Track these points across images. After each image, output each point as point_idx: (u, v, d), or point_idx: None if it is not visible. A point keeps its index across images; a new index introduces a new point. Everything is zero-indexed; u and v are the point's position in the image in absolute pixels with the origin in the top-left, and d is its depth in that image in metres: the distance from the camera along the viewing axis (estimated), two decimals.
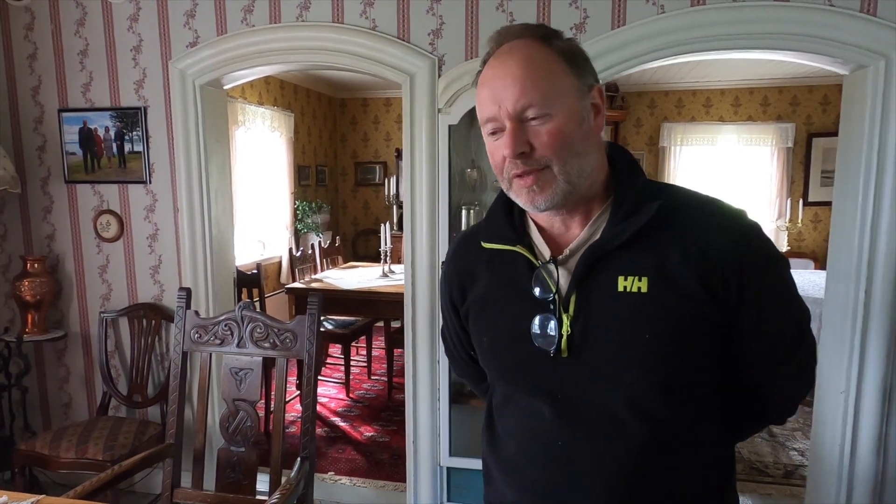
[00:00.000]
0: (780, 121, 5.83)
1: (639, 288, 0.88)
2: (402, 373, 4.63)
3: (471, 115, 2.50)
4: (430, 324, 2.58)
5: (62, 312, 3.01)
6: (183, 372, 1.92)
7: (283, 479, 1.72)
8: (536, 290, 0.94)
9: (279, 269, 5.76)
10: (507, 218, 1.00)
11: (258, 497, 1.80)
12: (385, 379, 4.56)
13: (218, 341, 1.89)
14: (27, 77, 2.88)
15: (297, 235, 5.99)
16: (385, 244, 4.53)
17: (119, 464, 1.73)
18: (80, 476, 2.48)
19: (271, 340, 1.85)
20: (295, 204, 5.99)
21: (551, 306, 0.92)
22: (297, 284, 4.24)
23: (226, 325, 1.89)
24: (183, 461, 1.92)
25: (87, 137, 2.87)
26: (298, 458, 1.79)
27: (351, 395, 4.30)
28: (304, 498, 1.75)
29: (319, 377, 4.48)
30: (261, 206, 5.48)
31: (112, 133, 2.84)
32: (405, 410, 2.71)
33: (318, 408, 3.99)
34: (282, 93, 5.89)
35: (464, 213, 2.57)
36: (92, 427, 2.62)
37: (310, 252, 4.82)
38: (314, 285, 4.20)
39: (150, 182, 2.83)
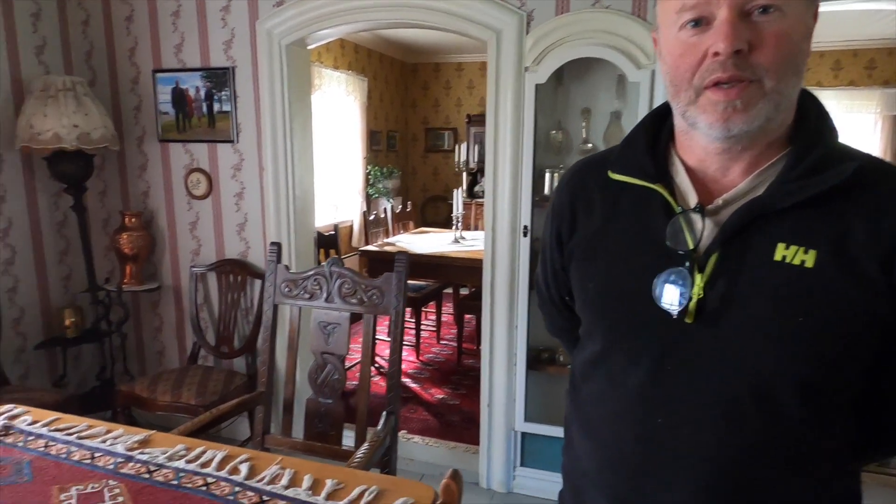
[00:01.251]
0: (887, 86, 5.35)
1: (802, 261, 0.74)
2: (471, 338, 4.70)
3: (558, 74, 2.41)
4: (508, 288, 2.55)
5: (156, 266, 3.17)
6: (274, 324, 1.98)
7: (369, 435, 1.75)
8: (669, 241, 0.81)
9: (351, 233, 5.86)
10: (650, 148, 0.86)
11: (344, 449, 1.85)
12: (454, 344, 4.60)
13: (307, 295, 1.93)
14: (124, 38, 3.00)
15: (369, 200, 6.06)
16: (457, 210, 4.51)
17: (217, 407, 1.81)
18: (174, 418, 2.65)
19: (359, 297, 1.87)
20: (367, 169, 6.05)
21: (685, 262, 0.80)
22: (370, 247, 4.31)
23: (315, 280, 1.92)
24: (273, 411, 1.99)
25: (179, 97, 2.97)
26: (384, 413, 1.82)
27: (420, 358, 4.37)
28: (389, 452, 1.79)
29: (388, 339, 4.57)
30: (334, 171, 5.56)
31: (202, 93, 2.93)
32: (480, 374, 2.71)
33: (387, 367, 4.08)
34: (356, 57, 5.91)
35: (547, 176, 2.51)
36: (184, 374, 2.77)
37: (382, 216, 4.87)
38: (387, 249, 4.24)
39: (238, 141, 2.91)
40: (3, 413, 1.53)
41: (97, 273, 3.08)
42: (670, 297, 0.80)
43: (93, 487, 1.20)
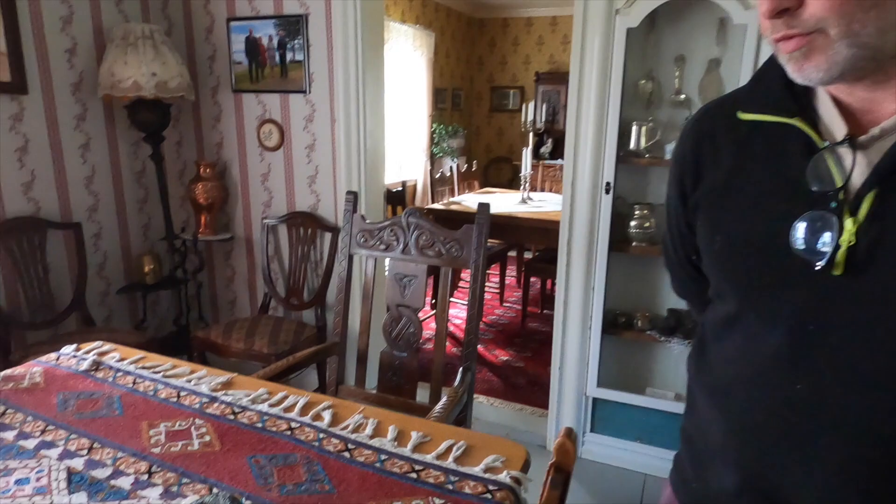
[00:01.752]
0: None
1: None
2: (535, 302, 4.60)
3: (651, 17, 2.22)
4: (586, 249, 2.43)
5: (229, 216, 3.21)
6: (349, 274, 1.94)
7: (443, 392, 1.71)
8: (811, 181, 0.70)
9: (415, 192, 5.81)
10: (786, 82, 0.75)
11: (418, 403, 1.81)
12: (518, 307, 4.52)
13: (383, 246, 1.88)
14: None
15: (433, 159, 5.98)
16: (525, 169, 4.37)
17: (293, 354, 1.81)
18: (246, 365, 2.70)
19: (437, 249, 1.80)
20: (432, 127, 5.94)
21: (831, 204, 0.68)
22: (436, 206, 4.24)
23: (391, 231, 1.87)
24: (346, 362, 1.98)
25: (253, 47, 2.94)
26: (461, 369, 1.77)
27: (484, 320, 4.31)
28: (465, 409, 1.74)
29: (451, 299, 4.53)
30: (400, 129, 5.49)
31: (275, 42, 2.88)
32: (547, 337, 2.62)
33: (452, 328, 4.05)
34: (423, 11, 5.75)
35: (634, 129, 2.34)
36: (256, 323, 2.81)
37: (448, 175, 4.78)
38: (453, 207, 4.16)
39: (310, 92, 2.86)
40: (92, 349, 1.56)
41: (174, 222, 3.14)
42: (813, 245, 0.69)
43: (180, 425, 1.20)
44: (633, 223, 2.39)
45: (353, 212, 1.93)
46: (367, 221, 1.92)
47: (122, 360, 1.50)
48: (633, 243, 2.39)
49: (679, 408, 2.44)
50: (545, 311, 4.48)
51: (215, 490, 1.00)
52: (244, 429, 1.19)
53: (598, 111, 2.30)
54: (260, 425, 1.21)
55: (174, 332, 3.19)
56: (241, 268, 3.27)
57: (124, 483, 1.02)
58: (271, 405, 1.29)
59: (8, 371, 1.42)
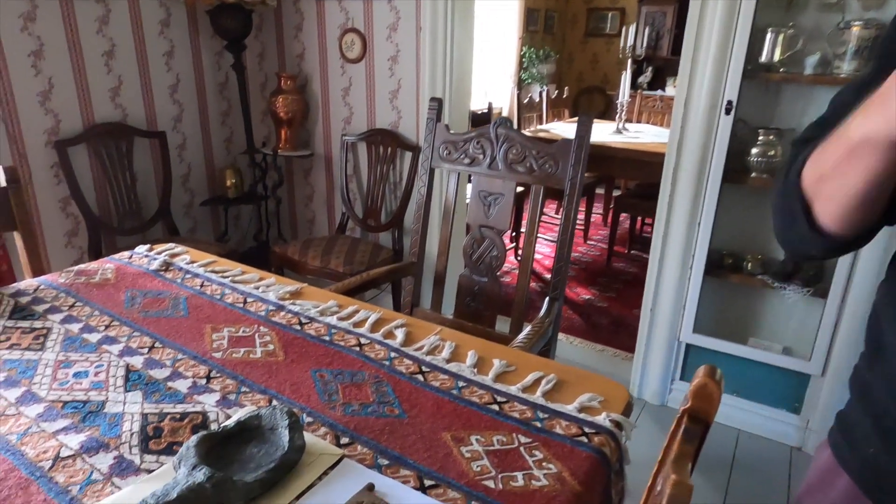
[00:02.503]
0: None
1: None
2: (622, 241, 4.32)
3: None
4: (695, 177, 2.14)
5: (309, 133, 3.12)
6: (429, 189, 1.78)
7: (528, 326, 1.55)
8: None
9: None
10: None
11: (498, 333, 1.67)
12: (602, 245, 4.26)
13: (468, 160, 1.70)
14: None
15: (521, 86, 5.63)
16: (623, 96, 3.99)
17: (368, 271, 1.70)
18: (322, 283, 2.66)
19: (528, 164, 1.60)
20: (521, 51, 5.56)
21: None
22: (524, 132, 3.97)
23: (478, 143, 1.68)
24: (423, 284, 1.86)
25: None
26: (547, 299, 1.60)
27: None
28: (549, 343, 1.58)
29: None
30: (487, 50, 5.16)
31: None
32: (646, 275, 2.39)
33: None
34: None
35: (768, 37, 1.97)
36: (333, 242, 2.74)
37: (536, 101, 4.46)
38: (541, 135, 3.89)
39: None
40: (164, 250, 1.50)
41: (255, 136, 3.09)
42: None
43: (244, 331, 1.11)
44: (754, 151, 2.06)
45: (437, 121, 1.75)
46: (452, 132, 1.73)
47: (192, 262, 1.44)
48: (753, 174, 2.08)
49: (787, 362, 2.17)
50: (632, 252, 4.20)
51: (274, 403, 0.90)
52: (310, 340, 1.09)
53: (726, 13, 1.95)
54: (327, 338, 1.10)
55: (254, 247, 3.21)
56: (320, 186, 3.20)
57: (181, 386, 0.94)
58: (340, 318, 1.17)
59: (82, 265, 1.39)
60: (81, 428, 0.83)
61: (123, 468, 0.76)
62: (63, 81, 2.42)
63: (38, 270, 1.37)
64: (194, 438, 0.75)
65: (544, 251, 4.12)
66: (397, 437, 0.83)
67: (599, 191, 4.74)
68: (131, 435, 0.82)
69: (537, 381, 0.98)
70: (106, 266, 1.40)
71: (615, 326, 3.09)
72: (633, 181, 4.42)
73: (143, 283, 1.31)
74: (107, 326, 1.12)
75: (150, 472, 0.76)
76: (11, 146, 2.32)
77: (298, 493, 0.73)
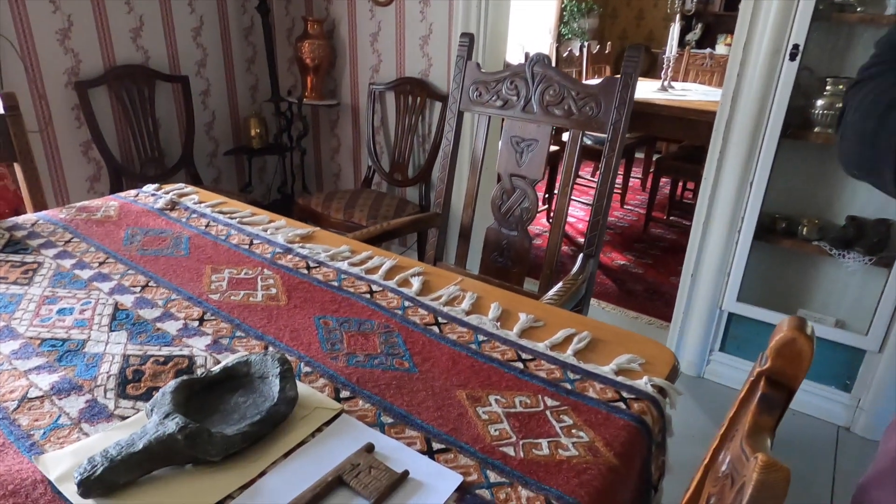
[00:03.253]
0: None
1: None
2: (661, 206, 4.11)
3: None
4: (751, 132, 1.95)
5: (336, 82, 2.99)
6: (457, 134, 1.65)
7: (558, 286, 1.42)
8: None
9: None
10: None
11: (526, 291, 1.55)
12: (640, 210, 4.07)
13: (500, 102, 1.55)
14: None
15: (560, 41, 5.36)
16: (669, 51, 3.73)
17: (388, 221, 1.59)
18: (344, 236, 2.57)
19: (566, 106, 1.45)
20: (563, 3, 5.27)
21: None
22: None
23: (512, 84, 1.53)
24: (447, 237, 1.74)
25: None
26: (581, 255, 1.46)
27: None
28: (582, 303, 1.45)
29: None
30: (525, 2, 4.90)
31: None
32: (688, 239, 2.22)
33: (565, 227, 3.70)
34: None
35: None
36: (357, 196, 2.64)
37: (577, 55, 4.22)
38: None
39: None
40: (173, 189, 1.41)
41: (280, 85, 2.98)
42: None
43: (246, 273, 1.01)
44: (819, 103, 1.86)
45: (468, 59, 1.60)
46: (483, 71, 1.58)
47: (200, 202, 1.34)
48: (816, 129, 1.87)
49: (840, 336, 2.00)
50: (671, 218, 3.99)
51: (271, 349, 0.81)
52: (316, 285, 0.99)
53: None
54: (335, 284, 0.99)
55: (278, 199, 3.13)
56: (346, 139, 3.08)
57: (171, 327, 0.85)
58: (352, 264, 1.07)
59: (86, 202, 1.31)
60: (56, 368, 0.75)
61: (95, 413, 0.68)
62: (83, 20, 2.34)
63: (39, 205, 1.30)
64: (172, 384, 0.66)
65: (577, 214, 3.95)
66: (405, 394, 0.73)
67: (638, 155, 4.52)
68: (108, 377, 0.73)
69: (568, 339, 0.86)
70: (110, 203, 1.32)
71: (650, 294, 2.94)
72: (676, 144, 4.18)
73: (145, 222, 1.22)
74: (101, 263, 1.04)
75: (123, 418, 0.67)
76: (31, 86, 2.26)
77: (286, 451, 0.63)
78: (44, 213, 1.24)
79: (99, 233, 1.16)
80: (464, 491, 0.59)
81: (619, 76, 1.37)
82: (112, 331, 0.83)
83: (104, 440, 0.63)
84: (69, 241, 1.12)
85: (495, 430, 0.67)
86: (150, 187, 1.43)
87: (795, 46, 1.80)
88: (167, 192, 1.39)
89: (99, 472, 0.55)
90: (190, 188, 1.44)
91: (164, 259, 1.06)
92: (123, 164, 2.57)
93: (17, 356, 0.77)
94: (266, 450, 0.63)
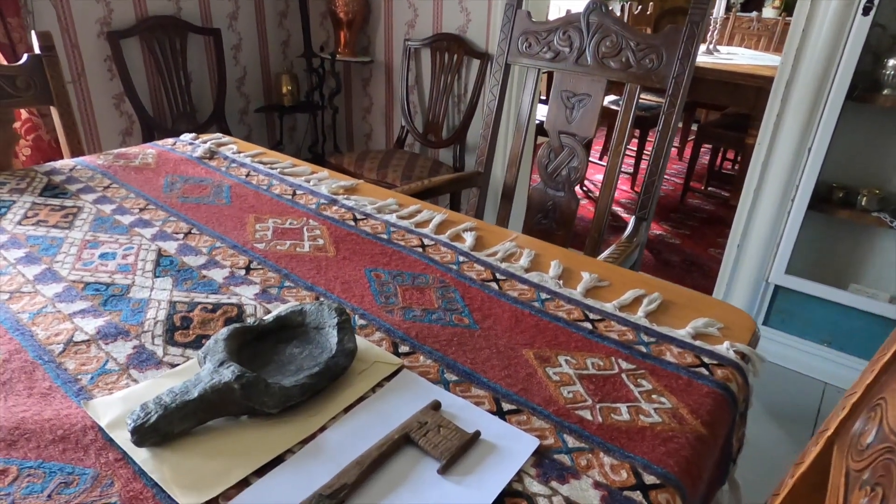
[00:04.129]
0: None
1: None
2: (699, 177, 3.97)
3: None
4: (812, 95, 1.83)
5: (370, 38, 2.90)
6: (503, 89, 1.57)
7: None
8: None
9: None
10: None
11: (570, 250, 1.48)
12: (677, 180, 3.94)
13: (551, 55, 1.46)
14: None
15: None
16: (718, 10, 3.55)
17: (429, 178, 1.53)
18: None
19: (623, 59, 1.36)
20: None
21: None
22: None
23: (564, 34, 1.44)
24: (487, 198, 1.67)
25: None
26: (633, 218, 1.39)
27: (636, 189, 3.81)
28: (634, 269, 1.38)
29: (600, 162, 4.04)
30: None
31: None
32: (737, 208, 2.12)
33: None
34: None
35: None
36: (390, 156, 2.58)
37: (617, 15, 4.04)
38: None
39: None
40: (211, 139, 1.37)
41: (313, 40, 2.90)
42: None
43: (291, 223, 0.96)
44: (891, 63, 1.74)
45: (517, 7, 1.51)
46: (534, 21, 1.49)
47: (238, 152, 1.30)
48: (885, 91, 1.75)
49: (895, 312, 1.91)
50: (710, 189, 3.86)
51: (322, 300, 0.76)
52: (365, 237, 0.94)
53: None
54: (385, 237, 0.94)
55: (309, 158, 3.08)
56: (379, 98, 3.00)
57: (217, 275, 0.81)
58: (400, 217, 1.01)
59: (123, 149, 1.27)
60: (101, 312, 0.71)
61: (143, 359, 0.64)
62: None
63: (76, 151, 1.27)
64: (225, 331, 0.62)
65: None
66: (468, 351, 0.68)
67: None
68: (155, 323, 0.70)
69: (637, 300, 0.80)
70: (147, 151, 1.28)
71: (688, 265, 2.85)
72: (717, 111, 4.01)
73: (184, 170, 1.18)
74: (141, 209, 1.00)
75: (173, 366, 0.63)
76: (63, 35, 2.21)
77: (346, 406, 0.59)
78: (81, 158, 1.21)
79: (138, 179, 1.12)
80: (541, 455, 0.54)
81: (682, 26, 1.27)
82: (156, 277, 0.80)
83: (155, 387, 0.59)
84: (108, 187, 1.08)
85: (568, 393, 0.62)
86: (186, 136, 1.38)
87: (870, 0, 1.67)
88: (205, 142, 1.34)
89: (153, 419, 0.51)
90: (228, 138, 1.39)
91: (205, 207, 1.02)
92: (155, 119, 2.54)
93: (60, 299, 0.74)
94: (325, 404, 0.59)
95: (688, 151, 4.24)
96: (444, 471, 0.52)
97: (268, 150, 1.33)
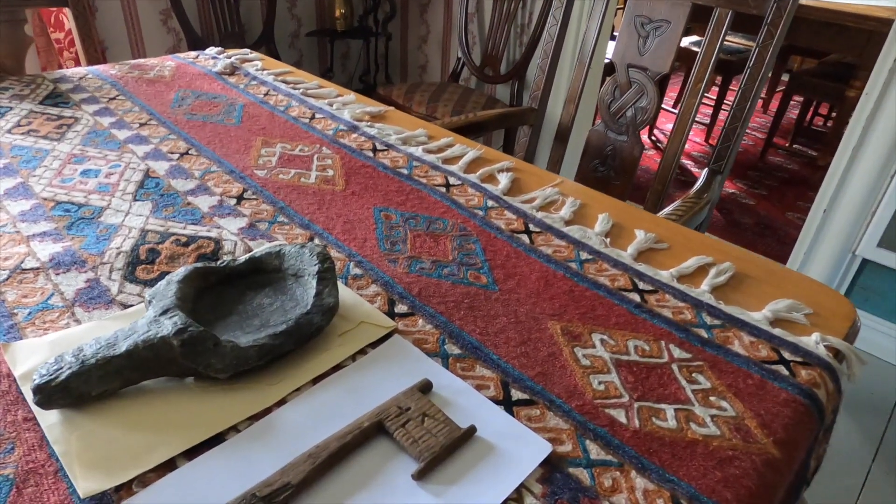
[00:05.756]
0: None
1: None
2: (785, 132, 3.60)
3: None
4: None
5: None
6: (566, 14, 1.36)
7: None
8: None
9: None
10: None
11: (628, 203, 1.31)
12: (758, 135, 3.58)
13: None
14: None
15: None
16: None
17: (475, 112, 1.36)
18: None
19: None
20: None
21: None
22: None
23: None
24: (539, 140, 1.50)
25: None
26: (706, 171, 1.20)
27: (710, 142, 3.48)
28: (701, 230, 1.20)
29: (672, 110, 3.71)
30: None
31: None
32: (826, 168, 1.86)
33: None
34: None
35: None
36: (442, 90, 2.40)
37: None
38: None
39: None
40: (236, 54, 1.24)
41: None
42: None
43: (301, 150, 0.84)
44: None
45: None
46: None
47: (262, 69, 1.17)
48: None
49: None
50: (795, 146, 3.49)
51: (316, 241, 0.64)
52: (381, 171, 0.80)
53: None
54: (405, 171, 0.81)
55: (360, 89, 2.93)
56: (436, 27, 2.79)
57: (203, 203, 0.70)
58: (427, 150, 0.87)
59: (141, 60, 1.17)
60: (62, 237, 0.62)
61: (94, 296, 0.54)
62: None
63: (94, 60, 1.17)
64: (182, 270, 0.51)
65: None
66: (479, 317, 0.55)
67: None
68: (118, 254, 0.60)
69: (701, 270, 0.65)
70: (166, 63, 1.17)
71: (761, 229, 2.59)
72: (815, 58, 3.58)
73: (199, 85, 1.07)
74: (141, 125, 0.89)
75: (125, 307, 0.53)
76: None
77: (315, 376, 0.47)
78: (95, 67, 1.11)
79: (147, 92, 1.02)
80: (552, 466, 0.41)
81: None
82: (136, 200, 0.70)
83: (94, 331, 0.49)
84: (114, 99, 0.98)
85: (600, 384, 0.48)
86: (212, 50, 1.27)
87: None
88: (228, 56, 1.22)
89: (63, 377, 0.41)
90: (255, 54, 1.26)
91: (211, 126, 0.90)
92: (202, 38, 2.44)
93: (23, 218, 0.65)
94: (289, 372, 0.47)
95: (774, 104, 3.84)
96: (420, 476, 0.40)
97: (295, 70, 1.20)
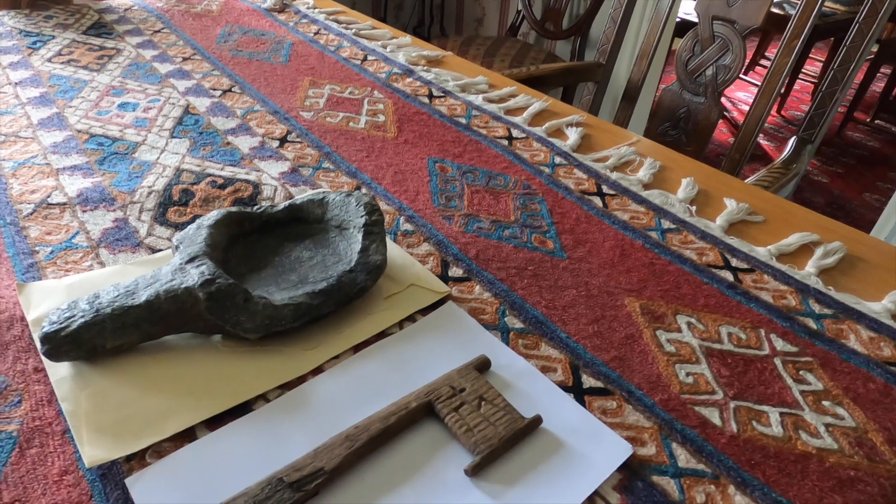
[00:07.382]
0: None
1: None
2: (867, 106, 3.32)
3: None
4: None
5: None
6: None
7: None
8: None
9: None
10: None
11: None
12: (840, 109, 3.31)
13: None
14: None
15: None
16: None
17: (537, 66, 1.26)
18: None
19: None
20: None
21: None
22: None
23: None
24: (604, 97, 1.39)
25: None
26: (794, 138, 1.08)
27: (782, 113, 3.25)
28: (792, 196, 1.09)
29: (742, 76, 3.46)
30: None
31: None
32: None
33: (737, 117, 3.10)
34: None
35: None
36: (499, 44, 2.28)
37: None
38: None
39: None
40: None
41: None
42: None
43: (351, 93, 0.77)
44: None
45: None
46: None
47: (314, 7, 1.10)
48: None
49: None
50: (877, 122, 3.22)
51: (363, 191, 0.58)
52: (438, 119, 0.73)
53: None
54: (463, 121, 0.73)
55: None
56: None
57: (244, 144, 0.64)
58: (488, 99, 0.79)
59: None
60: (93, 172, 0.57)
61: (121, 237, 0.50)
62: None
63: None
64: (214, 214, 0.45)
65: (750, 100, 3.29)
66: (546, 288, 0.48)
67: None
68: (149, 193, 0.55)
69: (805, 249, 0.55)
70: None
71: (833, 209, 2.41)
72: None
73: (247, 21, 1.00)
74: (185, 59, 0.84)
75: (154, 251, 0.48)
76: None
77: (357, 342, 0.41)
78: None
79: (193, 26, 0.96)
80: (631, 472, 0.34)
81: None
82: (173, 136, 0.64)
83: (116, 276, 0.45)
84: (158, 31, 0.93)
85: (687, 375, 0.41)
86: None
87: None
88: None
89: (75, 326, 0.36)
90: None
91: (256, 63, 0.84)
92: None
93: (55, 150, 0.60)
94: (327, 336, 0.42)
95: (858, 75, 3.54)
96: (474, 471, 0.34)
97: (348, 10, 1.12)
